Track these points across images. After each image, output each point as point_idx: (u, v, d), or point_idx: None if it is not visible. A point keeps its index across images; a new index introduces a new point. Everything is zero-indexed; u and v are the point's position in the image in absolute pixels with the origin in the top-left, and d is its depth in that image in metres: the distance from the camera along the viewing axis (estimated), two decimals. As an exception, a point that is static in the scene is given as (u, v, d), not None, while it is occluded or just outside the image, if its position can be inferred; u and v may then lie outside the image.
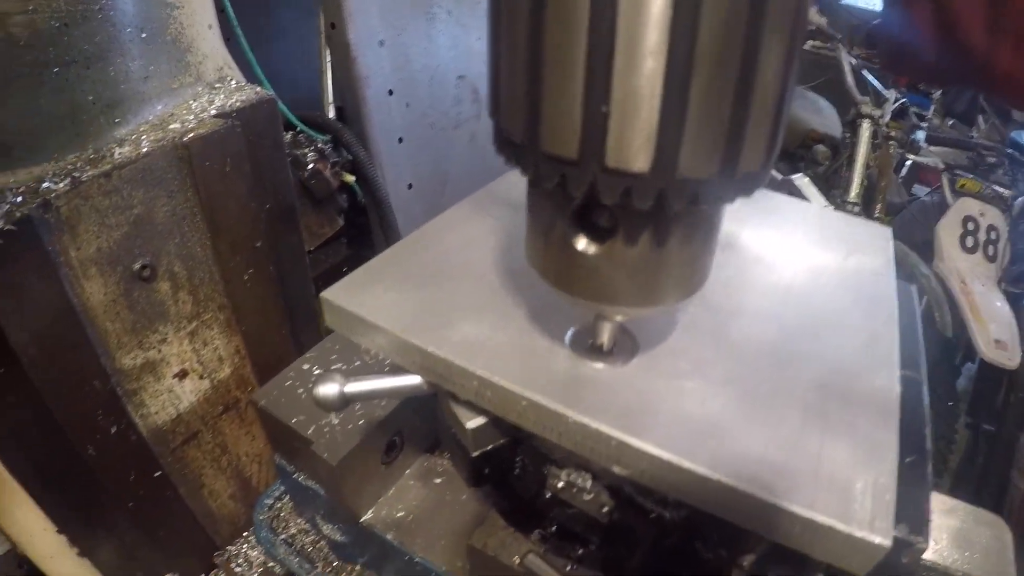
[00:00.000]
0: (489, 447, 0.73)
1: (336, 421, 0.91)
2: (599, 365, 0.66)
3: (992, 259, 2.38)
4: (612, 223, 0.53)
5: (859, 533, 0.49)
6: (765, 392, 0.62)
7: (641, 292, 0.56)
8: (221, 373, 1.45)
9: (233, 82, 1.41)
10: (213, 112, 1.32)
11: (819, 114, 2.92)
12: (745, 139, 0.45)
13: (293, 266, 1.56)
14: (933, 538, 0.73)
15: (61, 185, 1.12)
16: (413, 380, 0.71)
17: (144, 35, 1.23)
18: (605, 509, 0.68)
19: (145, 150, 1.21)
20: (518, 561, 0.74)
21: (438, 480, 0.97)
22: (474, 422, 0.70)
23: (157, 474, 1.36)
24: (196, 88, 1.35)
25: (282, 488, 1.12)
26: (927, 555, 0.74)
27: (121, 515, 1.32)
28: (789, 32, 0.43)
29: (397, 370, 0.72)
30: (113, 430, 1.27)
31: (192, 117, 1.30)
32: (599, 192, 0.47)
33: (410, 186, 1.76)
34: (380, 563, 0.98)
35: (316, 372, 1.02)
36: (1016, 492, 2.25)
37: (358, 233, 1.80)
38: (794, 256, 0.82)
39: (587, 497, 0.68)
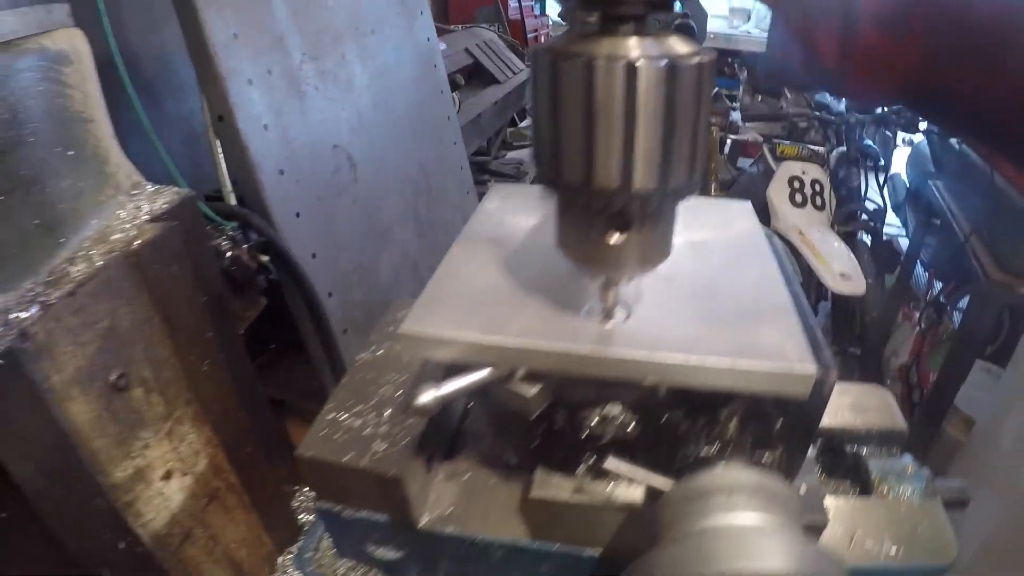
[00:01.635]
0: (543, 407, 0.86)
1: (380, 450, 0.99)
2: (610, 323, 0.84)
3: (820, 208, 2.72)
4: (627, 221, 0.74)
5: (798, 369, 0.73)
6: (712, 315, 0.85)
7: (643, 260, 0.78)
8: (199, 465, 1.41)
9: (149, 186, 1.40)
10: (145, 217, 1.31)
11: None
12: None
13: (233, 350, 1.56)
14: (833, 412, 0.98)
15: (33, 312, 1.08)
16: (484, 373, 0.84)
17: (71, 152, 1.21)
18: (631, 428, 0.84)
19: (100, 263, 1.18)
20: (574, 491, 0.88)
21: (465, 477, 1.07)
22: (531, 391, 0.84)
23: (165, 582, 1.30)
24: (118, 198, 1.34)
25: (316, 540, 1.14)
26: (831, 423, 1.00)
27: (141, 632, 1.26)
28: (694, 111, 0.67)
29: (464, 370, 0.85)
30: (121, 546, 1.21)
31: (128, 225, 1.28)
32: (629, 205, 0.69)
33: (314, 255, 1.80)
34: (434, 568, 1.06)
35: (342, 418, 1.07)
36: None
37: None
38: (691, 235, 1.03)
39: (616, 424, 0.84)
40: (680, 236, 0.90)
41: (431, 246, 2.47)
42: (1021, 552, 1.65)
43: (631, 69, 0.62)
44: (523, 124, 4.51)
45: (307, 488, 1.87)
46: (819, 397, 0.76)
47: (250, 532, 1.56)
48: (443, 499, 1.03)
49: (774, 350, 0.76)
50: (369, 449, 0.98)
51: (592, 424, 0.85)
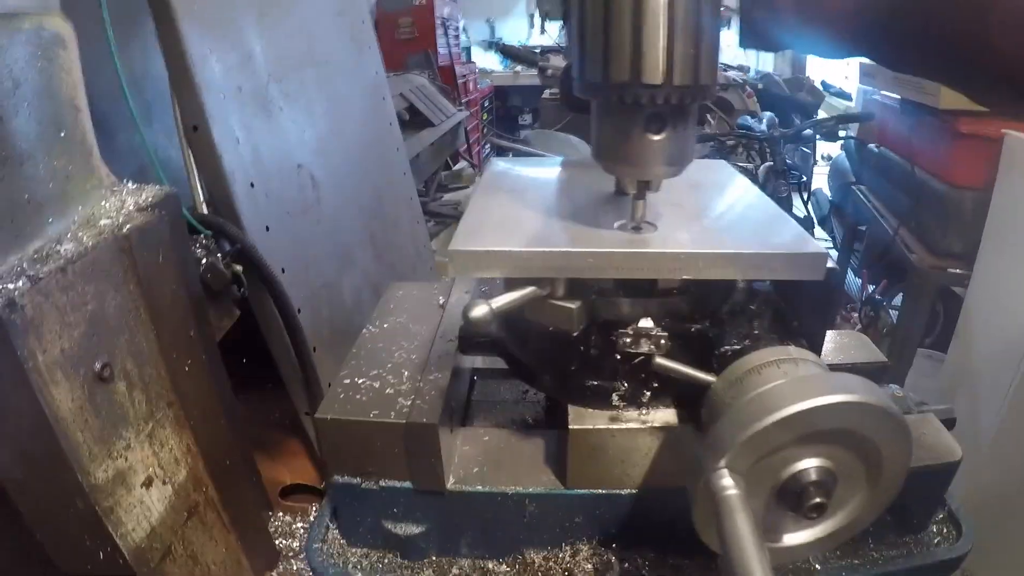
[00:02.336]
0: (584, 324, 0.89)
1: (408, 403, 0.95)
2: (641, 233, 0.90)
3: (754, 222, 2.91)
4: (664, 122, 0.80)
5: (811, 250, 0.83)
6: (725, 227, 0.94)
7: (673, 161, 0.84)
8: (179, 475, 1.30)
9: (130, 184, 1.34)
10: (132, 208, 1.25)
11: (572, 148, 3.38)
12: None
13: (213, 355, 1.47)
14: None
15: (20, 283, 1.00)
16: (529, 289, 0.85)
17: (62, 134, 1.15)
18: (663, 341, 0.85)
19: (91, 244, 1.11)
20: (610, 419, 0.89)
21: (485, 438, 1.04)
22: (574, 304, 0.86)
23: (144, 600, 1.17)
24: (101, 191, 1.27)
25: (323, 530, 1.05)
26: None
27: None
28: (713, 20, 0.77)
29: (511, 287, 0.86)
30: (101, 555, 1.09)
31: (115, 213, 1.22)
32: (669, 99, 0.75)
33: (283, 270, 1.75)
34: (457, 541, 1.01)
35: (359, 382, 1.01)
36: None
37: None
38: (685, 180, 1.11)
39: (651, 338, 0.85)
40: (675, 181, 0.94)
41: (387, 269, 2.45)
42: (979, 526, 1.73)
43: None
44: (457, 167, 4.59)
45: (282, 512, 1.74)
46: (832, 284, 0.85)
47: (229, 554, 1.43)
48: (467, 460, 0.99)
49: (787, 243, 0.85)
50: (395, 405, 0.94)
51: (628, 340, 0.86)
